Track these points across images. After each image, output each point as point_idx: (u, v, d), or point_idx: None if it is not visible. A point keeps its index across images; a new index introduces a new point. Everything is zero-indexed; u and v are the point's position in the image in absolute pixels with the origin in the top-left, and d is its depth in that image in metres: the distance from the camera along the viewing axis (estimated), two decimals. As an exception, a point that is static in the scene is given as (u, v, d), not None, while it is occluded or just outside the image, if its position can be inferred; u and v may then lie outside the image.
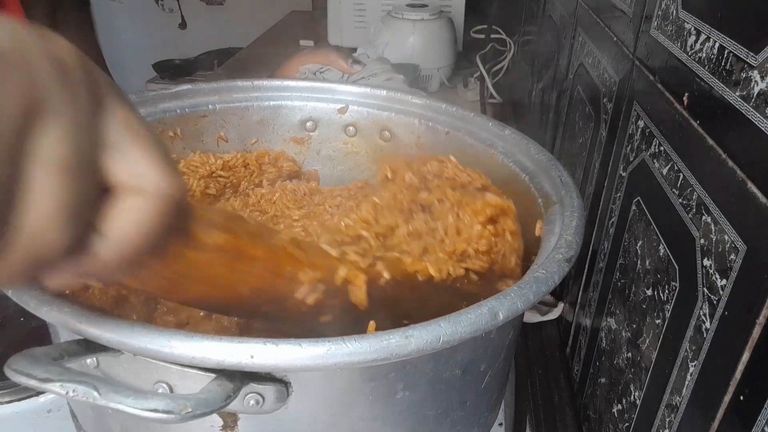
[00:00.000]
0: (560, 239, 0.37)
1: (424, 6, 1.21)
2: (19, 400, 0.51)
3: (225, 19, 2.77)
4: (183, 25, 2.83)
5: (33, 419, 0.50)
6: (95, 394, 0.25)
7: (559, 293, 0.64)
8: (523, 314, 0.44)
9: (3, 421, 0.50)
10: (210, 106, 0.58)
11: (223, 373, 0.28)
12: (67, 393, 0.25)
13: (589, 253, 0.52)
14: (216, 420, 0.32)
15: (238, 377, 0.28)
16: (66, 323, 0.28)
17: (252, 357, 0.26)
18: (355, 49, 1.20)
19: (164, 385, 0.29)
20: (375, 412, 0.34)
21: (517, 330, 0.43)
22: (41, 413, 0.50)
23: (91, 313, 0.28)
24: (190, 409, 0.25)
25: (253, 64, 1.42)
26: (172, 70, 2.58)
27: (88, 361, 0.30)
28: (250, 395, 0.29)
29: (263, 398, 0.30)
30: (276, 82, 0.60)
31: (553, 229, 0.39)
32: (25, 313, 0.29)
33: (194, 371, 0.28)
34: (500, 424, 0.50)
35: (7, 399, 0.51)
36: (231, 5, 2.77)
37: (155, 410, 0.25)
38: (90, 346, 0.29)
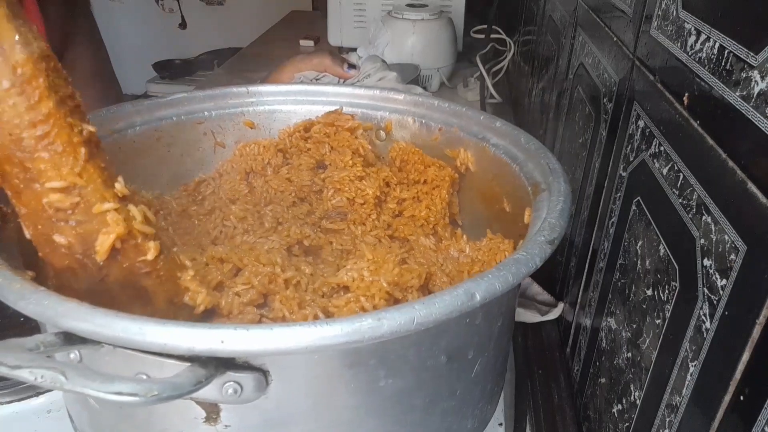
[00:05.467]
0: (544, 222, 0.37)
1: (424, 6, 1.21)
2: (20, 400, 0.51)
3: (225, 19, 2.78)
4: (183, 25, 2.83)
5: (33, 419, 0.50)
6: (62, 379, 0.25)
7: (559, 293, 0.64)
8: (512, 301, 0.43)
9: (3, 421, 0.50)
10: (206, 113, 0.58)
11: (199, 360, 0.28)
12: (35, 379, 0.25)
13: (589, 253, 0.52)
14: (199, 412, 0.32)
15: (213, 365, 0.28)
16: (42, 315, 0.28)
17: (222, 342, 0.26)
18: (355, 49, 1.20)
19: (144, 377, 0.29)
20: (358, 401, 0.34)
21: (509, 318, 0.42)
22: (41, 413, 0.50)
23: (67, 304, 0.28)
24: (156, 393, 0.26)
25: (253, 64, 1.42)
26: (172, 70, 2.59)
27: (72, 355, 0.30)
28: (228, 384, 0.29)
29: (242, 387, 0.30)
30: (270, 87, 0.61)
31: (540, 215, 0.39)
32: (24, 315, 0.29)
33: (172, 361, 0.28)
34: (500, 424, 0.50)
35: (7, 399, 0.50)
36: (231, 5, 2.77)
37: (119, 393, 0.25)
38: (69, 339, 0.29)
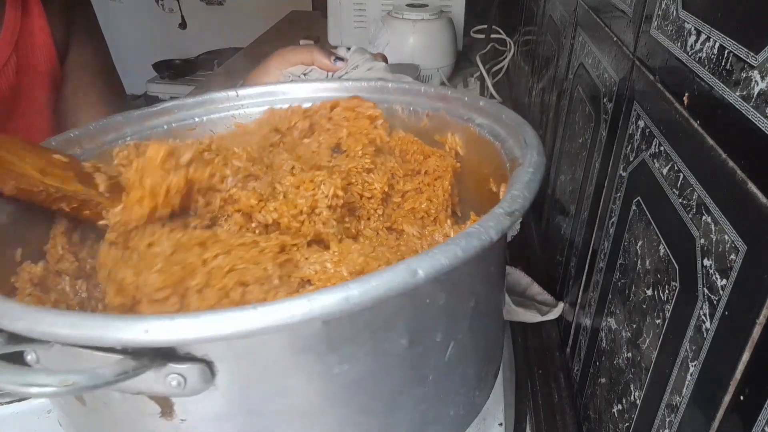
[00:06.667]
0: (507, 194, 0.35)
1: (424, 6, 1.21)
2: (20, 400, 0.51)
3: (225, 19, 2.78)
4: (183, 25, 2.84)
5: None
6: None
7: (559, 293, 0.64)
8: (489, 281, 0.42)
9: (3, 421, 0.50)
10: (196, 119, 0.58)
11: (134, 353, 0.28)
12: None
13: (589, 253, 0.52)
14: (154, 407, 0.32)
15: (148, 356, 0.28)
16: None
17: (146, 331, 0.26)
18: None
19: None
20: (315, 389, 0.33)
21: (486, 299, 0.40)
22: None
23: (6, 303, 0.28)
24: (71, 383, 0.26)
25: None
26: (172, 70, 2.59)
27: (29, 357, 0.30)
28: (171, 376, 0.29)
29: (185, 379, 0.29)
30: (259, 89, 0.61)
31: (511, 189, 0.38)
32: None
33: (115, 356, 0.28)
34: (500, 424, 0.50)
35: (7, 399, 0.51)
36: (231, 5, 2.77)
37: (31, 384, 0.25)
38: (14, 338, 0.29)
